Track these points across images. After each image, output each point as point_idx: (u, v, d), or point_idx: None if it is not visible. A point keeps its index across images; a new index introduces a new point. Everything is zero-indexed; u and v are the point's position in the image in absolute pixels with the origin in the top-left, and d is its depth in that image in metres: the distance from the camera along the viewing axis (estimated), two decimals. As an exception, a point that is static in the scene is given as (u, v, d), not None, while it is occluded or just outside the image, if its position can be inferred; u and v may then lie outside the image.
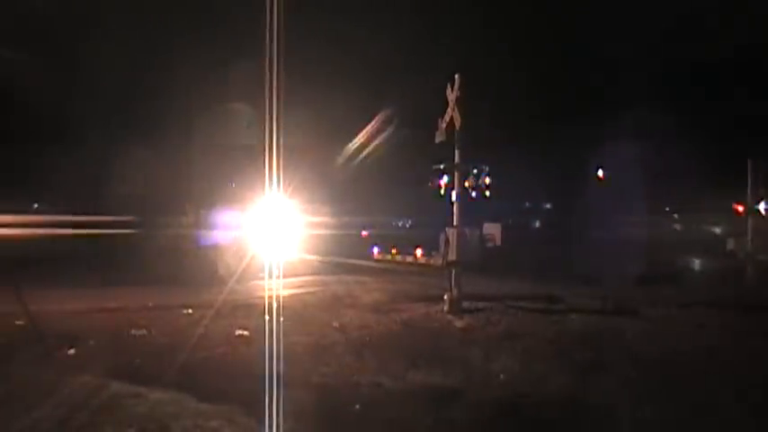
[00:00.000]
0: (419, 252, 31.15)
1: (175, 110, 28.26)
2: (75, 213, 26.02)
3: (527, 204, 49.54)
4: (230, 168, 30.80)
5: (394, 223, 42.65)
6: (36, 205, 30.10)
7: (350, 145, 35.75)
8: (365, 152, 35.38)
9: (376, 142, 34.84)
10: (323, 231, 29.78)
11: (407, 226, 40.66)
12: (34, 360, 10.11)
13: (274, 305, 15.80)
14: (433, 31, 39.39)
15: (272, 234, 25.05)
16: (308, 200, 27.66)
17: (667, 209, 48.58)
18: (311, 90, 30.18)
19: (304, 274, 22.55)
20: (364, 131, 34.52)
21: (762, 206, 28.48)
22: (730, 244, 30.45)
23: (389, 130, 33.94)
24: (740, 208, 29.03)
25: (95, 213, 26.36)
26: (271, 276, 20.99)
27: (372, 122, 34.07)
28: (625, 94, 42.21)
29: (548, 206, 50.46)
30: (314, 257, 26.95)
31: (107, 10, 30.72)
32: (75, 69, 31.39)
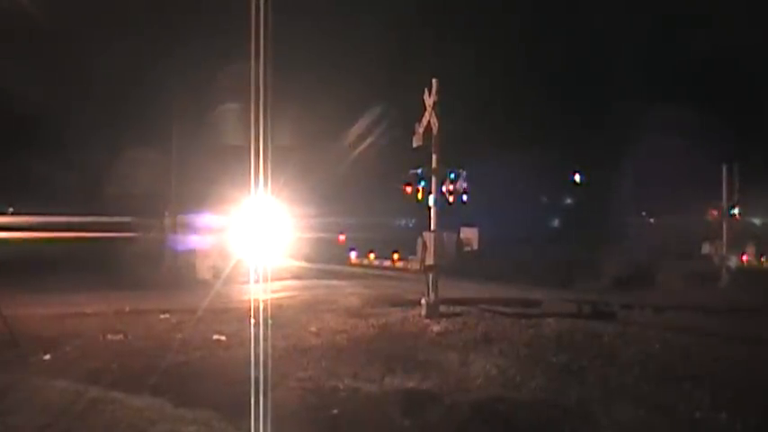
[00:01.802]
0: (396, 256, 31.20)
1: (160, 109, 28.04)
2: (53, 215, 25.83)
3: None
4: (215, 169, 30.77)
5: (397, 223, 42.55)
6: (11, 209, 29.89)
7: (339, 144, 35.53)
8: (354, 152, 35.15)
9: (365, 142, 34.64)
10: (305, 234, 29.65)
11: (410, 225, 40.55)
12: (9, 366, 10.04)
13: (252, 310, 15.77)
14: (417, 34, 39.46)
15: (256, 237, 24.94)
16: (292, 201, 27.64)
17: (644, 213, 48.88)
18: (301, 88, 30.12)
19: (283, 279, 22.55)
20: (353, 131, 34.31)
21: (736, 210, 28.75)
22: (705, 248, 30.72)
23: (380, 129, 33.75)
24: (715, 212, 29.27)
25: (74, 216, 26.18)
26: (250, 281, 20.96)
27: (362, 122, 33.87)
28: (604, 97, 42.52)
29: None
30: (294, 262, 26.90)
31: (91, 11, 30.50)
32: (55, 71, 31.15)
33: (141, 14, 31.20)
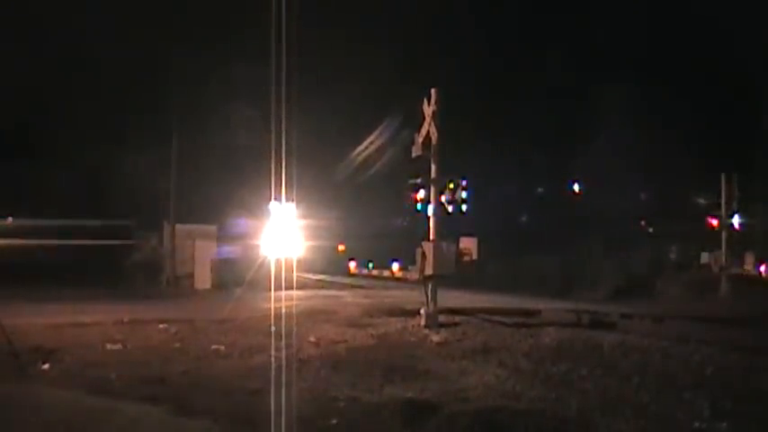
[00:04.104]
0: (396, 266, 31.20)
1: (162, 116, 27.93)
2: (53, 218, 25.81)
3: None
4: (220, 176, 31.04)
5: (394, 222, 42.68)
6: (10, 219, 29.81)
7: (339, 152, 35.41)
8: (370, 158, 34.93)
9: (369, 150, 34.46)
10: (306, 243, 29.62)
11: (405, 223, 40.67)
12: (8, 376, 10.02)
13: (250, 320, 15.78)
14: (418, 46, 39.51)
15: (267, 247, 25.25)
16: (306, 208, 27.88)
17: (642, 222, 48.87)
18: (318, 93, 30.19)
19: (282, 289, 22.54)
20: (372, 137, 34.13)
21: (735, 220, 28.79)
22: (704, 257, 30.76)
23: (383, 138, 33.60)
24: (714, 221, 29.31)
25: (73, 226, 26.15)
26: (250, 291, 21.03)
27: (381, 128, 33.69)
28: (603, 108, 42.54)
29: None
30: (294, 272, 26.93)
31: (91, 10, 30.46)
32: (54, 72, 31.06)
33: (142, 16, 31.15)
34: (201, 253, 26.03)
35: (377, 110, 33.73)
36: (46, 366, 10.74)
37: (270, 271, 22.78)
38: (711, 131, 38.42)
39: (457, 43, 40.61)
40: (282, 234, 26.41)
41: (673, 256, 34.74)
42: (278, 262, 24.71)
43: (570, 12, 44.99)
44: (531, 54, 43.93)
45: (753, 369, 11.46)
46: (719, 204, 28.65)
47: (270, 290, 21.20)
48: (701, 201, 32.42)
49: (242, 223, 28.36)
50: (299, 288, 23.69)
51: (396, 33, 37.75)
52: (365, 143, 34.05)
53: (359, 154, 34.69)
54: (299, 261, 28.03)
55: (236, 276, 25.34)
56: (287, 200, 25.44)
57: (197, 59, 31.35)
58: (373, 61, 36.44)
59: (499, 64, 42.29)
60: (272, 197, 25.81)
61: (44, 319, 14.63)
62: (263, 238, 27.16)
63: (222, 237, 28.07)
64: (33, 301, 18.15)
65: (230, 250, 27.90)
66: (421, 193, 17.53)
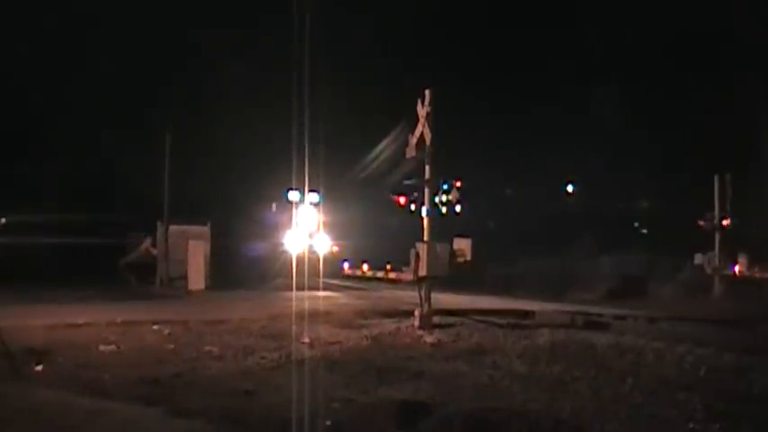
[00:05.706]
0: (389, 267, 31.13)
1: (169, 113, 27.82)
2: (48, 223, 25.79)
3: None
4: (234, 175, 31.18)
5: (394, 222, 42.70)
6: (3, 220, 29.68)
7: (373, 152, 35.23)
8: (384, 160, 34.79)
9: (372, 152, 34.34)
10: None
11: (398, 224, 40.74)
12: (1, 377, 9.99)
13: (244, 321, 15.74)
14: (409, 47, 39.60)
15: (290, 243, 25.27)
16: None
17: (636, 223, 48.96)
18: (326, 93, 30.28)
19: (276, 289, 22.54)
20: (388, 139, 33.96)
21: (728, 221, 28.83)
22: (698, 258, 30.75)
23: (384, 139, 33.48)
24: (707, 223, 29.34)
25: (67, 225, 26.10)
26: (244, 292, 20.99)
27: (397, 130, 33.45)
28: (597, 109, 42.64)
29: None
30: (321, 274, 26.91)
31: (86, 8, 30.46)
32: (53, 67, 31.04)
33: (141, 13, 31.16)
34: (195, 253, 25.87)
35: (384, 111, 33.66)
36: (39, 367, 10.69)
37: (290, 268, 22.87)
38: (706, 132, 38.48)
39: (455, 45, 40.75)
40: (305, 228, 26.69)
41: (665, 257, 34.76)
42: (299, 259, 24.90)
43: (567, 12, 45.12)
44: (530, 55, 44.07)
45: (746, 370, 11.48)
46: (712, 205, 28.70)
47: (280, 289, 21.29)
48: (694, 201, 32.45)
49: (268, 219, 28.56)
50: (290, 289, 23.59)
51: (402, 35, 37.90)
52: (381, 146, 33.97)
53: (374, 158, 34.61)
54: (324, 259, 28.09)
55: (260, 274, 25.59)
56: (310, 190, 25.72)
57: (198, 57, 31.40)
58: (380, 62, 36.56)
59: (498, 65, 42.39)
60: (292, 187, 26.09)
61: (37, 320, 14.55)
62: (287, 234, 27.44)
63: (247, 234, 28.35)
64: (26, 301, 18.11)
65: (260, 247, 28.15)
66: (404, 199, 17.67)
